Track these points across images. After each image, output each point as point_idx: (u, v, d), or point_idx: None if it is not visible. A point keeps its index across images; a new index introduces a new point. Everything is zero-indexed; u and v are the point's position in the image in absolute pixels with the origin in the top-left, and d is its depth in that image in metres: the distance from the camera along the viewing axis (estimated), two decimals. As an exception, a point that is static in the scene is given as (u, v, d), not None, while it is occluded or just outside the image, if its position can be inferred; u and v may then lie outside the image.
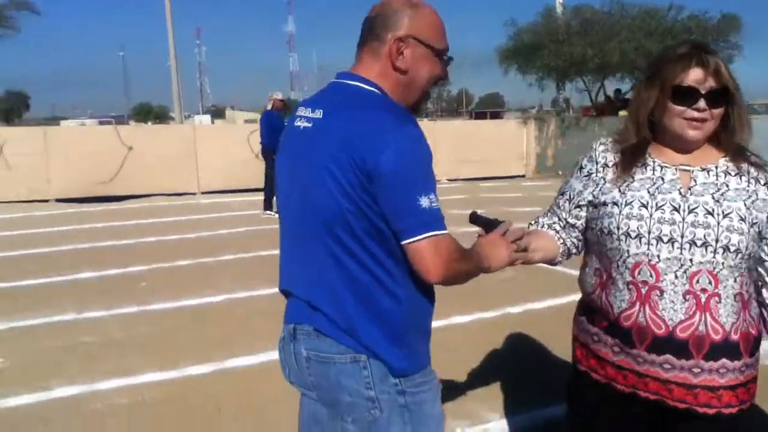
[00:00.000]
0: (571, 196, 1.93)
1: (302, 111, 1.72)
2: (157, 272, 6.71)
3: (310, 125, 1.67)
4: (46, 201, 11.90)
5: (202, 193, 12.79)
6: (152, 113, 73.92)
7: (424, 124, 14.44)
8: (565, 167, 15.61)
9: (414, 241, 1.52)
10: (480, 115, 44.53)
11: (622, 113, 17.81)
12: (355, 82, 1.67)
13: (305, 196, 1.65)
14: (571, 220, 1.94)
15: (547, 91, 21.35)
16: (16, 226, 9.49)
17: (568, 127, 15.77)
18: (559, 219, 1.97)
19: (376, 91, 1.65)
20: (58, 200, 12.01)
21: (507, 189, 13.69)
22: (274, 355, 4.32)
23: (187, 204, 11.71)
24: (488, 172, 14.66)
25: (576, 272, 2.02)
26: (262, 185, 12.91)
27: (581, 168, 1.92)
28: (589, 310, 1.92)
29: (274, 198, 9.77)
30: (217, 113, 73.90)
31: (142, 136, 13.12)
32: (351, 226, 1.57)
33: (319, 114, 1.66)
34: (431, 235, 1.52)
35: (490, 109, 63.58)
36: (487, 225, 1.82)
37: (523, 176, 15.68)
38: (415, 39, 1.66)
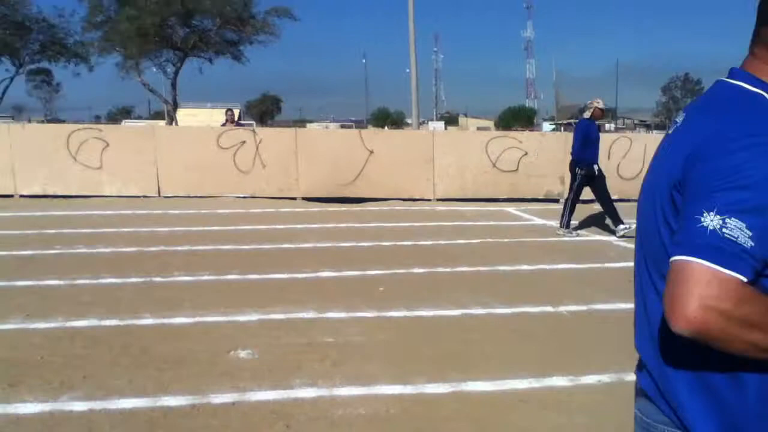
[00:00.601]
0: None
1: (678, 115, 1.36)
2: (394, 278, 6.66)
3: (671, 132, 1.33)
4: (294, 199, 12.66)
5: (437, 199, 12.80)
6: (389, 118, 77.51)
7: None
8: None
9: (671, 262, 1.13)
10: None
11: None
12: (739, 82, 1.26)
13: (642, 218, 1.34)
14: None
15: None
16: (266, 222, 10.15)
17: None
18: None
19: (764, 94, 1.22)
20: (304, 198, 12.72)
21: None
22: (512, 383, 4.08)
23: (422, 210, 11.76)
24: None
25: None
26: (497, 195, 12.68)
27: None
28: None
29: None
30: (450, 120, 75.48)
31: (382, 140, 13.47)
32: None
33: (681, 119, 1.31)
34: (696, 264, 1.08)
35: None
36: None
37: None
38: None
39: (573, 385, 4.11)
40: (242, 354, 4.52)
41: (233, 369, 4.26)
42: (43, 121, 48.28)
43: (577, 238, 8.93)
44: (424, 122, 44.58)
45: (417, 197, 12.75)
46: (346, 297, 5.92)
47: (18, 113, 64.53)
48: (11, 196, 12.40)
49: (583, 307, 5.71)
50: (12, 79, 15.01)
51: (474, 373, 4.24)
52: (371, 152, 12.74)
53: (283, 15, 16.68)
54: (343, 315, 5.41)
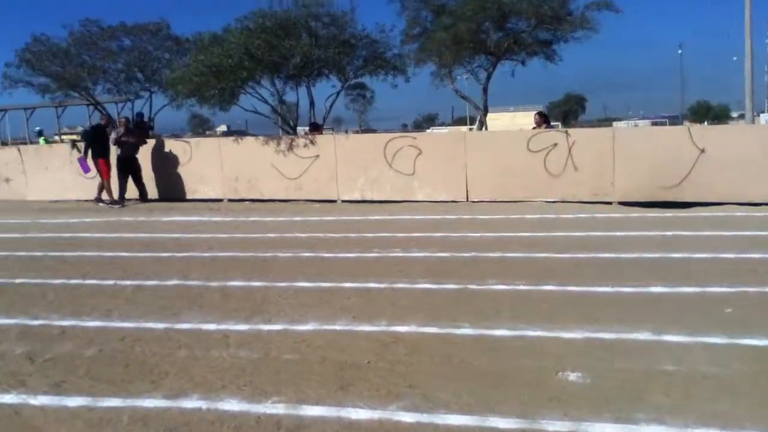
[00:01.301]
0: None
1: None
2: (743, 297, 5.61)
3: None
4: (609, 203, 11.76)
5: (786, 204, 10.83)
6: (711, 112, 70.14)
7: None
8: None
9: None
10: None
11: None
12: None
13: None
14: None
15: None
16: (581, 228, 9.46)
17: None
18: None
19: None
20: (620, 203, 11.74)
21: None
22: None
23: (769, 216, 9.98)
24: None
25: None
26: None
27: None
28: None
29: None
30: (785, 112, 65.66)
31: (715, 137, 11.82)
32: None
33: None
34: None
35: None
36: None
37: None
38: None
39: None
40: (572, 376, 4.05)
41: (563, 393, 3.82)
42: (357, 131, 53.07)
43: None
44: (755, 115, 39.36)
45: (759, 201, 10.92)
46: (686, 317, 5.10)
47: (337, 125, 72.07)
48: (334, 201, 13.50)
49: None
50: (338, 94, 16.34)
51: None
52: (702, 151, 11.26)
53: (604, 8, 15.56)
54: (684, 339, 4.64)
